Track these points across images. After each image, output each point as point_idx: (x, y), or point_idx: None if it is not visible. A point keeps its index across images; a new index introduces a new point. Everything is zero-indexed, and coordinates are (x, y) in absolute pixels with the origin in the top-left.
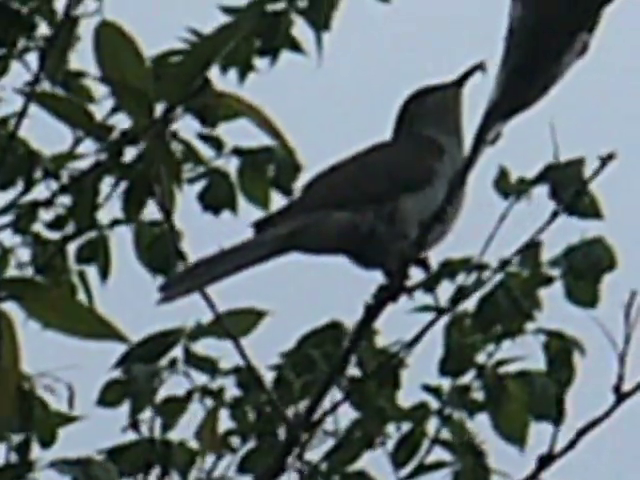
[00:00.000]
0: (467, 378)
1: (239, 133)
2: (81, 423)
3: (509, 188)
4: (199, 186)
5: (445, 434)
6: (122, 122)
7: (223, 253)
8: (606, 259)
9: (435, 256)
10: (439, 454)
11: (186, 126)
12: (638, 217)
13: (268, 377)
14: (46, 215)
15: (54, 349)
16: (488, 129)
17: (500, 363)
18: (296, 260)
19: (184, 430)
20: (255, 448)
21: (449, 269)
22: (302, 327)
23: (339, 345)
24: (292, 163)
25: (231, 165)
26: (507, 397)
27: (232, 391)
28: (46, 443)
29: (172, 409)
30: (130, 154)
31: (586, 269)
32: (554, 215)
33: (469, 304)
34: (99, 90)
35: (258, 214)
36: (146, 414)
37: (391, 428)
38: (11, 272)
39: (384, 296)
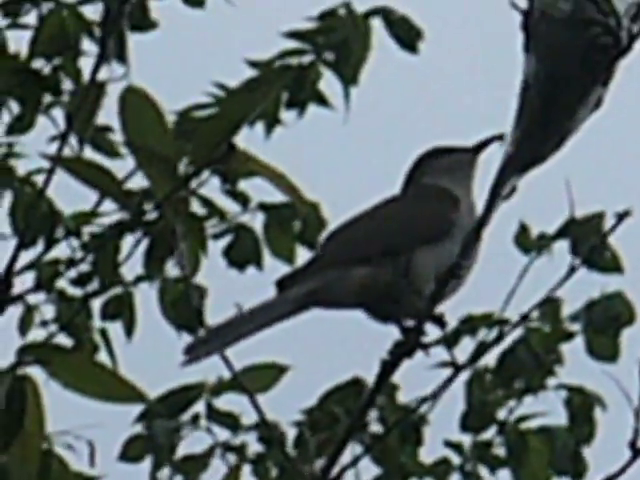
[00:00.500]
0: (489, 434)
1: (265, 188)
2: None
3: (529, 244)
4: (224, 242)
5: None
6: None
7: (245, 314)
8: (626, 313)
9: (456, 312)
10: None
11: (211, 181)
12: None
13: (290, 433)
14: (70, 273)
15: (74, 406)
16: (503, 184)
17: (521, 419)
18: (319, 316)
19: None
20: None
21: (470, 325)
22: (324, 383)
23: (372, 408)
24: (317, 218)
25: (256, 221)
26: (528, 453)
27: (254, 447)
28: None
29: (194, 465)
30: (151, 212)
31: (606, 324)
32: (572, 270)
33: (490, 359)
34: None
35: (284, 269)
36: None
37: None
38: (35, 330)
39: (400, 352)
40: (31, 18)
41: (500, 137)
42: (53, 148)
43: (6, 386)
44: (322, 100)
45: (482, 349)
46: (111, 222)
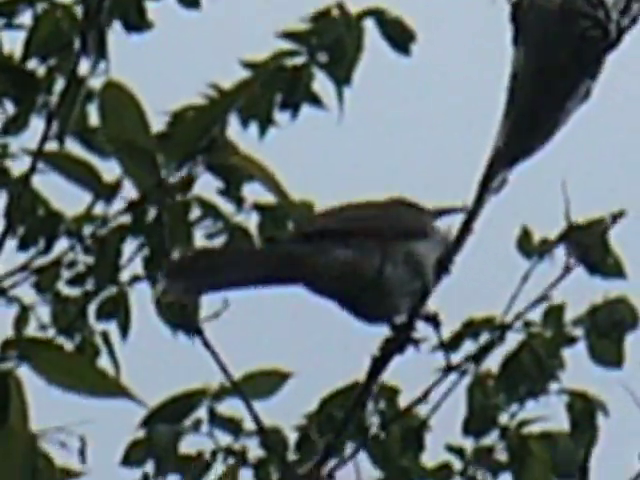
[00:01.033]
0: (490, 438)
1: (259, 190)
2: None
3: (531, 248)
4: (219, 241)
5: None
6: None
7: (226, 251)
8: (629, 318)
9: (458, 315)
10: None
11: (207, 182)
12: None
13: (293, 438)
14: (66, 273)
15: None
16: (492, 177)
17: (523, 423)
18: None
19: None
20: None
21: (472, 329)
22: (325, 388)
23: (363, 405)
24: (311, 217)
25: (251, 221)
26: (530, 457)
27: (256, 451)
28: None
29: (196, 469)
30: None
31: (609, 328)
32: (567, 270)
33: (492, 364)
34: None
35: None
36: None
37: None
38: (31, 330)
39: (390, 348)
40: (26, 18)
41: (461, 209)
42: (48, 147)
43: None
44: (316, 101)
45: (483, 352)
46: (113, 225)
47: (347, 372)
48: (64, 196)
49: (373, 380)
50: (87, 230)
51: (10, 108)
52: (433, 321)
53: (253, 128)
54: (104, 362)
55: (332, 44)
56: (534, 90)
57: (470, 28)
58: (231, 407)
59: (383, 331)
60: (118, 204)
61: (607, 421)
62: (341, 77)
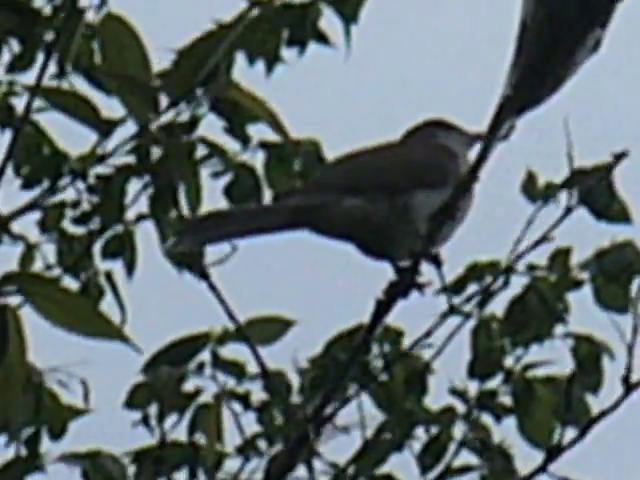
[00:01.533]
0: (495, 382)
1: (266, 128)
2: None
3: (536, 192)
4: (225, 180)
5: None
6: None
7: (236, 212)
8: (636, 263)
9: (462, 259)
10: (466, 458)
11: (213, 122)
12: None
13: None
14: (71, 212)
15: (67, 344)
16: (500, 125)
17: (528, 367)
18: (326, 264)
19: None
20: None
21: (476, 272)
22: (330, 331)
23: (367, 348)
24: (318, 156)
25: (257, 159)
26: (534, 401)
27: (259, 395)
28: (56, 436)
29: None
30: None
31: (616, 272)
32: (568, 211)
33: (496, 308)
34: None
35: None
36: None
37: (419, 431)
38: (36, 269)
39: (395, 291)
40: None
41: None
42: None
43: None
44: (323, 38)
45: (487, 295)
46: (117, 164)
47: (353, 316)
48: (72, 136)
49: (377, 323)
50: (92, 170)
51: (16, 46)
52: (434, 261)
53: (260, 66)
54: (109, 302)
55: None
56: (543, 40)
57: None
58: (235, 351)
59: (388, 275)
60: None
61: (612, 365)
62: (349, 14)
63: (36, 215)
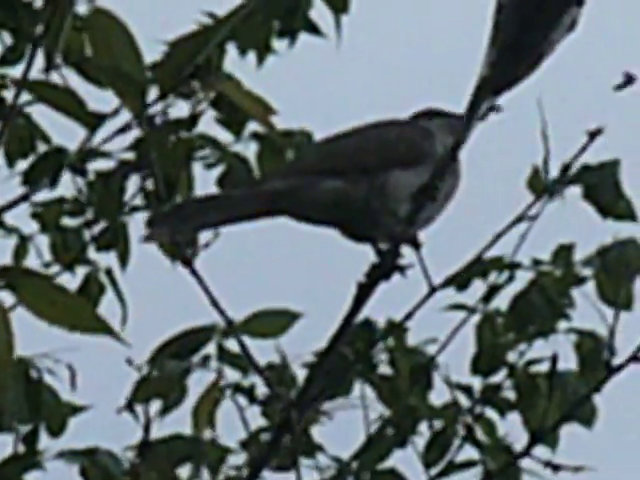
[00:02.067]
0: (498, 377)
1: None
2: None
3: (542, 188)
4: (218, 171)
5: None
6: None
7: (212, 198)
8: (639, 259)
9: (466, 255)
10: (470, 453)
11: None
12: None
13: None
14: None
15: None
16: (478, 105)
17: (532, 362)
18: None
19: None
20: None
21: (480, 268)
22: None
23: (372, 343)
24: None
25: (250, 150)
26: (538, 396)
27: (264, 388)
28: (55, 433)
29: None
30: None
31: (619, 269)
32: (550, 194)
33: (501, 303)
34: None
35: None
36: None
37: (422, 427)
38: (31, 261)
39: (376, 274)
40: None
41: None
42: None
43: None
44: (313, 28)
45: (495, 291)
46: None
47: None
48: (65, 126)
49: (360, 306)
50: (88, 165)
51: (8, 39)
52: (413, 243)
53: (251, 57)
54: (109, 298)
55: None
56: (519, 19)
57: None
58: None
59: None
60: (122, 139)
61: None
62: (339, 5)
63: (27, 206)
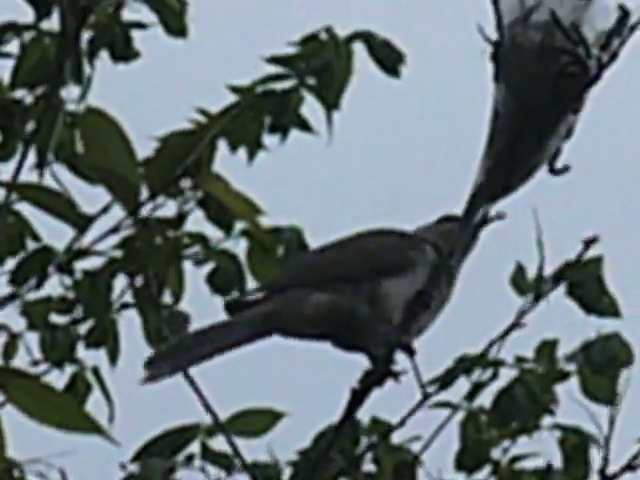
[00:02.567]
0: (483, 474)
1: None
2: None
3: (526, 286)
4: (208, 268)
5: None
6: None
7: (204, 332)
8: (623, 354)
9: (451, 352)
10: None
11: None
12: None
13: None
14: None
15: (44, 436)
16: (474, 211)
17: (516, 459)
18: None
19: None
20: None
21: (465, 365)
22: (320, 424)
23: (356, 441)
24: (300, 243)
25: (240, 247)
26: None
27: None
28: None
29: None
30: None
31: (603, 364)
32: (537, 297)
33: (485, 400)
34: None
35: None
36: None
37: None
38: (21, 361)
39: (370, 380)
40: (13, 47)
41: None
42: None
43: None
44: (304, 125)
45: (476, 388)
46: (104, 259)
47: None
48: (53, 224)
49: (352, 412)
50: (76, 264)
51: None
52: (407, 350)
53: (242, 153)
54: (97, 397)
55: (321, 67)
56: (514, 128)
57: (458, 52)
58: (224, 442)
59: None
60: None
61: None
62: (330, 101)
63: (16, 303)
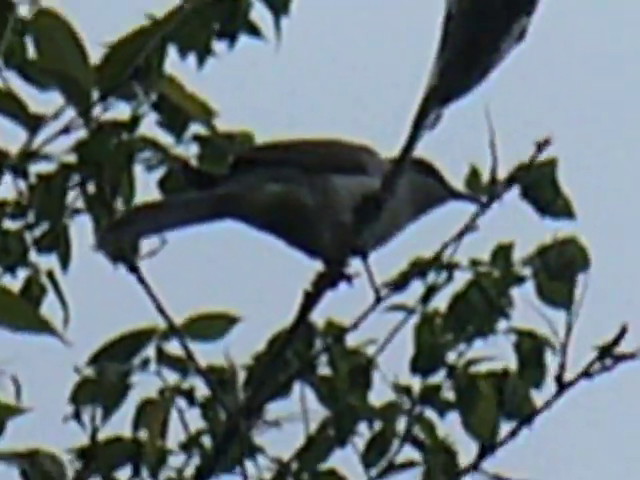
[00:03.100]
0: (438, 377)
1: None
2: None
3: (480, 189)
4: (159, 173)
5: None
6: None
7: (160, 205)
8: (580, 259)
9: (405, 255)
10: (409, 454)
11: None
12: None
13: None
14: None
15: None
16: (426, 115)
17: (471, 362)
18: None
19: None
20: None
21: (419, 268)
22: (274, 327)
23: (311, 344)
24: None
25: (191, 152)
26: (478, 396)
27: (204, 391)
28: None
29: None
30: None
31: (559, 268)
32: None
33: (440, 303)
34: None
35: None
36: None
37: (362, 427)
38: None
39: (323, 283)
40: None
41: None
42: None
43: None
44: (254, 30)
45: (433, 291)
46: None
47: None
48: (5, 129)
49: (305, 315)
50: (30, 167)
51: None
52: (360, 253)
53: (191, 59)
54: (51, 300)
55: None
56: (468, 30)
57: None
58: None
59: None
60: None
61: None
62: (279, 6)
63: None
